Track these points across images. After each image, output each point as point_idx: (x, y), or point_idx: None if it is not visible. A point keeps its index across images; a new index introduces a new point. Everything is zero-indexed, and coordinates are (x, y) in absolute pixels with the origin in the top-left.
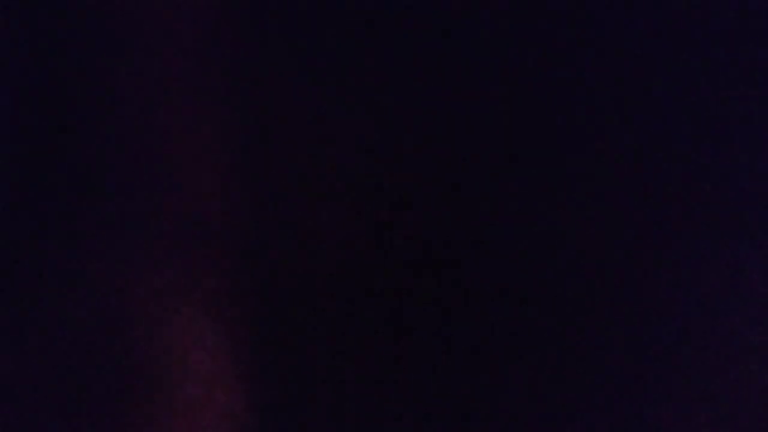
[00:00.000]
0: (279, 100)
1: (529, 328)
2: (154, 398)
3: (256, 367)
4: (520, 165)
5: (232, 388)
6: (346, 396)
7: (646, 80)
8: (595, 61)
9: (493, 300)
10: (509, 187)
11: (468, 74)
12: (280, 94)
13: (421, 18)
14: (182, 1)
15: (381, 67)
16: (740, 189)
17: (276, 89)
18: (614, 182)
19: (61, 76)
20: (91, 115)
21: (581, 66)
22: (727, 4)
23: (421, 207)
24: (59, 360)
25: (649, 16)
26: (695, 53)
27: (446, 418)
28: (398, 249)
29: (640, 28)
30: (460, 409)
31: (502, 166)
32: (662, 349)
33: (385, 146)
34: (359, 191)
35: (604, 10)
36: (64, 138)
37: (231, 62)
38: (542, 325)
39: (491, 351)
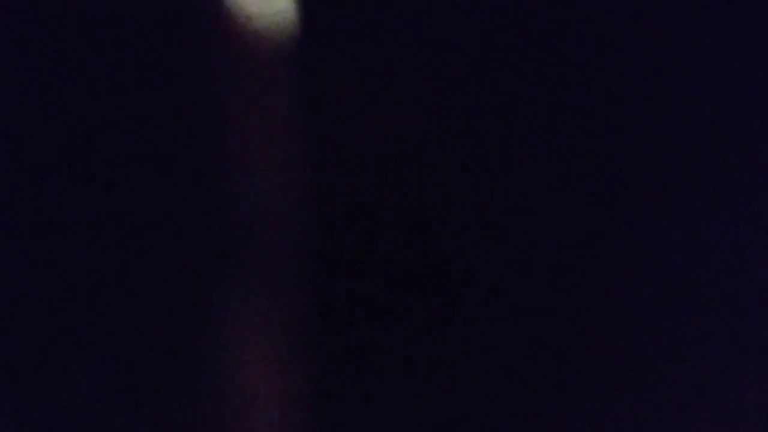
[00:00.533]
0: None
1: (533, 326)
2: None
3: (323, 375)
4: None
5: (298, 395)
6: (412, 399)
7: (645, 78)
8: (594, 61)
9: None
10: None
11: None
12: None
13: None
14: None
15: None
16: (741, 187)
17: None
18: (614, 181)
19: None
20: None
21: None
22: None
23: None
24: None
25: (649, 17)
26: (694, 51)
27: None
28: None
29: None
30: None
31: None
32: (662, 348)
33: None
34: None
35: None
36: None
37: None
38: (542, 323)
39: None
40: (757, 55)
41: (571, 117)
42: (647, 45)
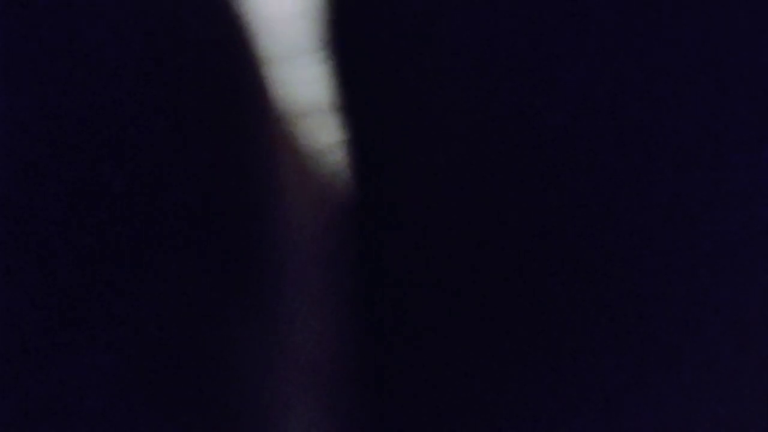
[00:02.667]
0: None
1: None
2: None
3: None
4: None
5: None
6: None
7: (645, 78)
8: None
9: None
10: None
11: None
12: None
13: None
14: None
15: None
16: (741, 187)
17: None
18: (615, 181)
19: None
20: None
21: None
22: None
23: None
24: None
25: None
26: (693, 51)
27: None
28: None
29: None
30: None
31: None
32: (662, 348)
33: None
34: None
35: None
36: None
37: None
38: (542, 323)
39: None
40: (758, 55)
41: (574, 116)
42: (653, 44)
